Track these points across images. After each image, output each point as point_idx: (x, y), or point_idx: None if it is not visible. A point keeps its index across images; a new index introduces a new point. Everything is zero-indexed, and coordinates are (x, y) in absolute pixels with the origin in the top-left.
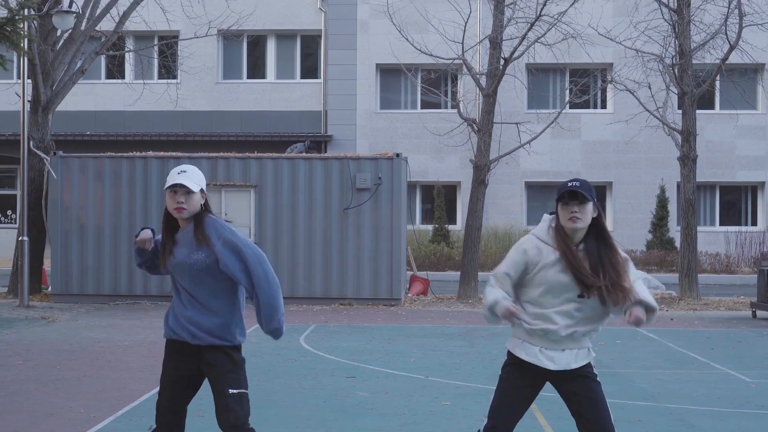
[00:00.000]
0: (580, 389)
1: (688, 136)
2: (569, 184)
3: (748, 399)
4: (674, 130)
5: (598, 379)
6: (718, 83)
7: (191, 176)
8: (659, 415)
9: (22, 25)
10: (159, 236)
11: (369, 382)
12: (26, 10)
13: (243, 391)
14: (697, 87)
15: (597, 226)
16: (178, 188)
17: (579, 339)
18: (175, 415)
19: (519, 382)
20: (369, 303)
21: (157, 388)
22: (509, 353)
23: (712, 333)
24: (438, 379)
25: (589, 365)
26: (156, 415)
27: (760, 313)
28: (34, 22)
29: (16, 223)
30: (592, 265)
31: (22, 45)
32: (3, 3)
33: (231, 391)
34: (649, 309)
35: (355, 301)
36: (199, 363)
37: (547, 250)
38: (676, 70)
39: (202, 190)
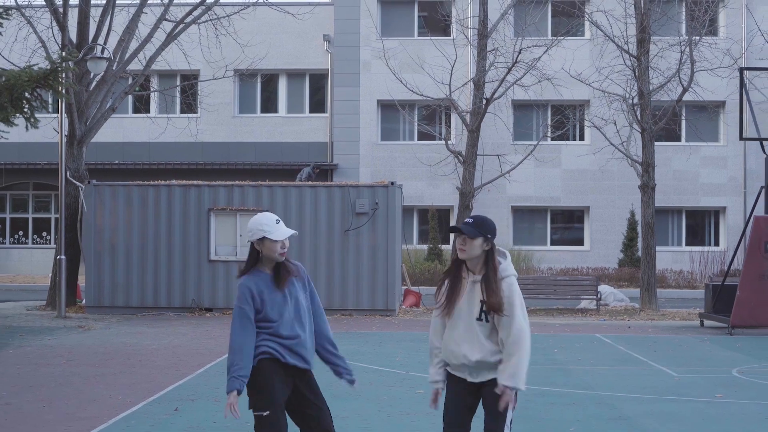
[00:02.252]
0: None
1: (647, 167)
2: (465, 220)
3: (669, 389)
4: (636, 162)
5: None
6: (683, 118)
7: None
8: (591, 400)
9: (63, 75)
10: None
11: (358, 376)
12: (69, 63)
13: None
14: (655, 124)
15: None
16: (285, 239)
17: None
18: None
19: None
20: (367, 313)
21: (182, 380)
22: None
23: (660, 339)
24: (417, 373)
25: None
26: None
27: (707, 322)
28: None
29: (50, 243)
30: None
31: (62, 91)
32: (46, 56)
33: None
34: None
35: (355, 312)
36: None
37: None
38: (636, 110)
39: None
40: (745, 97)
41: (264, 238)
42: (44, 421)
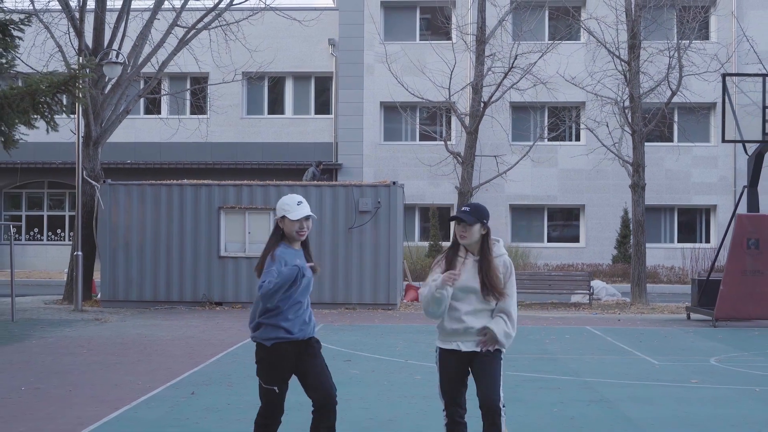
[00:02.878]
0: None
1: (637, 167)
2: (462, 208)
3: (649, 375)
4: (627, 162)
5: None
6: (675, 121)
7: (307, 205)
8: (575, 385)
9: (81, 81)
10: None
11: (360, 364)
12: (86, 70)
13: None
14: (645, 126)
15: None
16: (304, 218)
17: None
18: None
19: None
20: (370, 307)
21: (196, 368)
22: None
23: (647, 331)
24: (415, 362)
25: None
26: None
27: (693, 315)
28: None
29: (65, 240)
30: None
31: (81, 96)
32: (63, 61)
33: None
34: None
35: (358, 306)
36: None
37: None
38: (627, 113)
39: None
40: (727, 101)
41: (284, 216)
42: (72, 403)
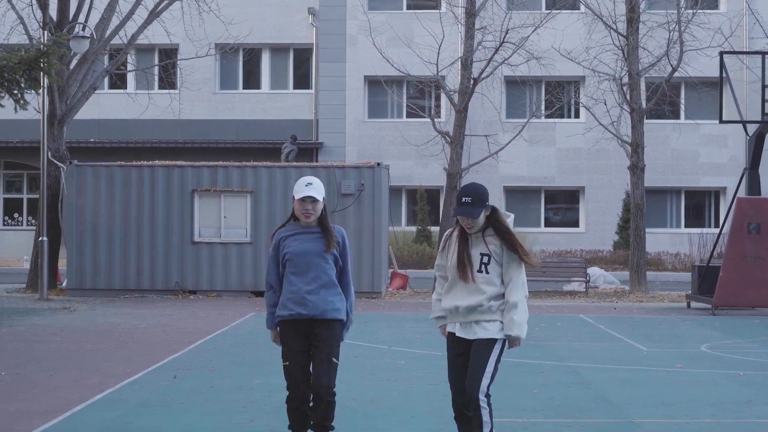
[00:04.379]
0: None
1: (636, 147)
2: (462, 199)
3: (635, 361)
4: (626, 142)
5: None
6: (683, 95)
7: (317, 188)
8: (559, 369)
9: (52, 58)
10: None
11: (343, 350)
12: (58, 46)
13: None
14: (645, 104)
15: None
16: (307, 199)
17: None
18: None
19: None
20: None
21: (176, 354)
22: None
23: (642, 319)
24: (399, 348)
25: None
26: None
27: (693, 303)
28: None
29: (23, 225)
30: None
31: (53, 74)
32: (29, 38)
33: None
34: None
35: None
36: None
37: None
38: (626, 90)
39: (323, 198)
40: (727, 80)
41: (293, 197)
42: (54, 386)
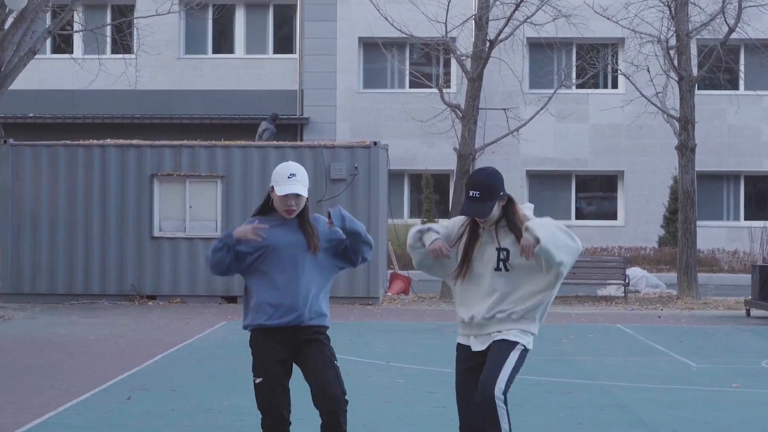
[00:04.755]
0: None
1: (686, 123)
2: (470, 193)
3: (681, 378)
4: (672, 117)
5: None
6: (742, 61)
7: (301, 180)
8: (589, 388)
9: None
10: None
11: None
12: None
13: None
14: (698, 70)
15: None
16: (290, 195)
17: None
18: None
19: None
20: (344, 302)
21: (131, 370)
22: None
23: (692, 329)
24: (398, 364)
25: None
26: None
27: (754, 311)
28: None
29: None
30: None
31: None
32: None
33: None
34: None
35: (330, 299)
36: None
37: None
38: (673, 54)
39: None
40: None
41: (273, 187)
42: None
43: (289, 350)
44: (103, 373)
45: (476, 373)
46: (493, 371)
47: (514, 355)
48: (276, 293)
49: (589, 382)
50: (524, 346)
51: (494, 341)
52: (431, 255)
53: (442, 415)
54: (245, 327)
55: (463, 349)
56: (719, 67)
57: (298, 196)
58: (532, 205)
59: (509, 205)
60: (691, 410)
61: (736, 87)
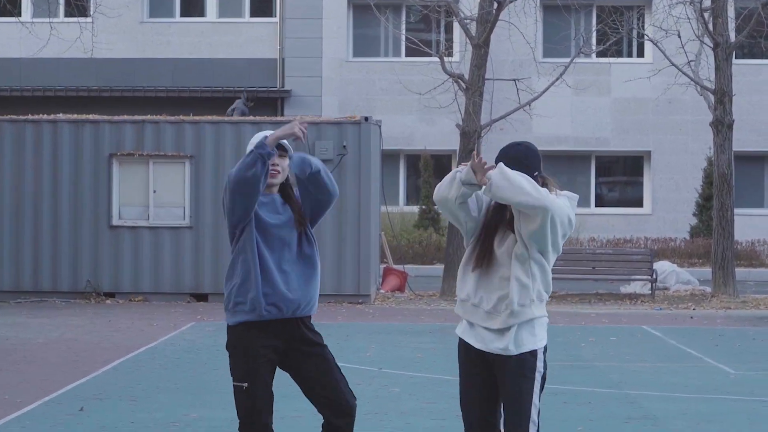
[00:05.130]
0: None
1: (722, 96)
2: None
3: (718, 387)
4: (706, 89)
5: None
6: None
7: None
8: (613, 398)
9: None
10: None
11: None
12: None
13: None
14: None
15: None
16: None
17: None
18: None
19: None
20: (331, 300)
21: (84, 378)
22: None
23: (729, 331)
24: (392, 371)
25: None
26: None
27: None
28: None
29: None
30: None
31: None
32: None
33: None
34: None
35: None
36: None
37: None
38: (708, 17)
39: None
40: None
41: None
42: None
43: (278, 352)
44: (53, 381)
45: (483, 380)
46: (517, 415)
47: (535, 389)
48: (267, 280)
49: (611, 392)
50: (541, 347)
51: (508, 363)
52: (475, 164)
53: (443, 428)
54: (230, 323)
55: (463, 346)
56: (760, 31)
57: (282, 154)
58: (577, 196)
59: (545, 189)
60: (728, 424)
61: None
